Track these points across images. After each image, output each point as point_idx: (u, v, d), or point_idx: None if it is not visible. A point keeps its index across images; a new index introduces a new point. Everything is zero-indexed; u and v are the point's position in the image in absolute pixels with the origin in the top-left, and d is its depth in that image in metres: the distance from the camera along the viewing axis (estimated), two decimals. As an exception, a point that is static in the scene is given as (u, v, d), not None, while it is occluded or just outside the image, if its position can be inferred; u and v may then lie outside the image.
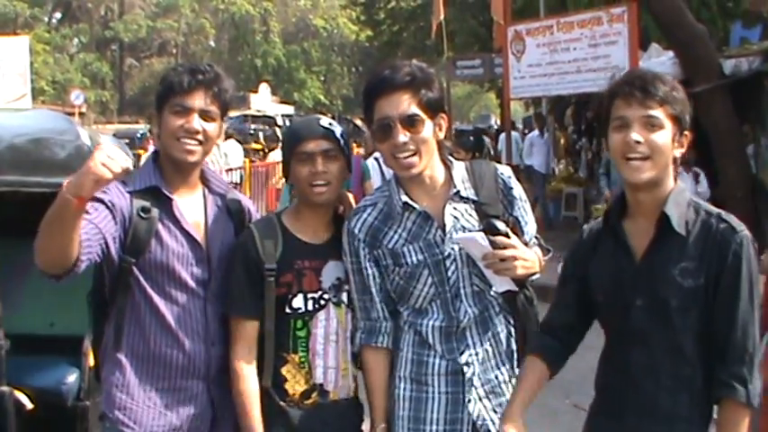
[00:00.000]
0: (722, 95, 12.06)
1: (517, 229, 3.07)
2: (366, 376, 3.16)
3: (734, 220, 2.67)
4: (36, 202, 2.99)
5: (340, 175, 3.16)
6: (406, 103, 2.94)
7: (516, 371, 3.12)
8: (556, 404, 6.40)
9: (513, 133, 19.15)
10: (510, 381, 3.10)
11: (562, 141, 19.97)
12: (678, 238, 2.65)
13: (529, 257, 2.96)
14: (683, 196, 2.72)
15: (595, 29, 12.78)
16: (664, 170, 2.67)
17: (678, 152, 2.69)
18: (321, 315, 3.15)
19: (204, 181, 3.22)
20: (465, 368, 3.05)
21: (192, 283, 3.07)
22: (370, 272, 3.10)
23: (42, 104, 33.18)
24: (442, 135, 3.05)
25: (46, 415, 2.94)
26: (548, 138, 17.54)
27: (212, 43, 63.17)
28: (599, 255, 2.85)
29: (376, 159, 9.24)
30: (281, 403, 3.12)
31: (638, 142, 2.60)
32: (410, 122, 2.93)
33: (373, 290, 3.11)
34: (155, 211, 3.01)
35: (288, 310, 3.12)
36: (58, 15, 59.32)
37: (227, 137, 18.51)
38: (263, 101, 43.07)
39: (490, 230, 2.92)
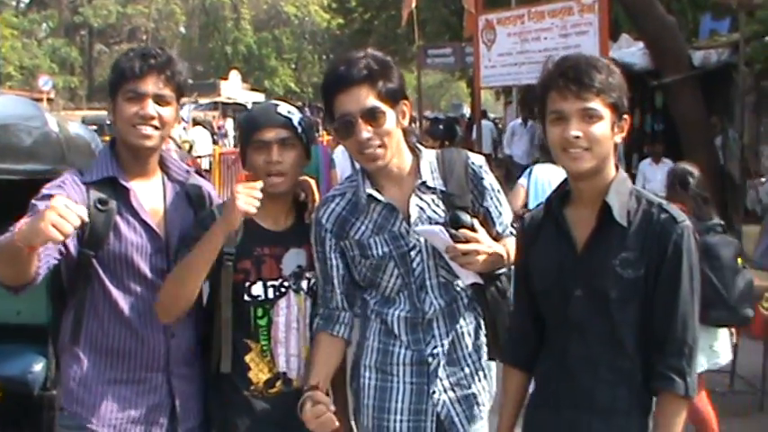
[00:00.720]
0: (691, 87, 12.17)
1: (487, 222, 3.03)
2: (313, 352, 3.09)
3: (675, 210, 2.64)
4: (2, 189, 2.96)
5: (297, 164, 3.11)
6: (364, 97, 2.88)
7: (484, 363, 3.11)
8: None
9: (487, 122, 19.21)
10: (476, 373, 3.09)
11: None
12: (619, 228, 2.61)
13: (494, 251, 2.91)
14: (625, 185, 2.68)
15: (566, 18, 12.82)
16: (604, 159, 2.63)
17: (619, 137, 2.64)
18: (282, 303, 3.12)
19: (163, 167, 3.17)
20: (430, 359, 3.02)
21: (150, 275, 3.02)
22: (334, 263, 3.07)
23: (10, 90, 32.84)
24: (405, 122, 3.00)
25: (12, 404, 2.91)
26: (531, 126, 17.49)
27: (183, 30, 62.72)
28: (540, 243, 2.80)
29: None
30: (245, 393, 3.10)
31: (577, 137, 2.56)
32: (371, 116, 2.88)
33: (335, 281, 3.08)
34: (112, 203, 2.96)
35: (247, 298, 3.09)
36: (26, 0, 58.69)
37: (195, 123, 18.47)
38: (234, 88, 42.81)
39: (454, 222, 2.89)
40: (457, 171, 3.05)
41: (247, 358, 3.11)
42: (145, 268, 3.01)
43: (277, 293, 3.12)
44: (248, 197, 2.84)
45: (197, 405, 3.13)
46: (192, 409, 3.13)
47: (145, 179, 3.08)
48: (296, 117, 3.14)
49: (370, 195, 3.00)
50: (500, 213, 3.10)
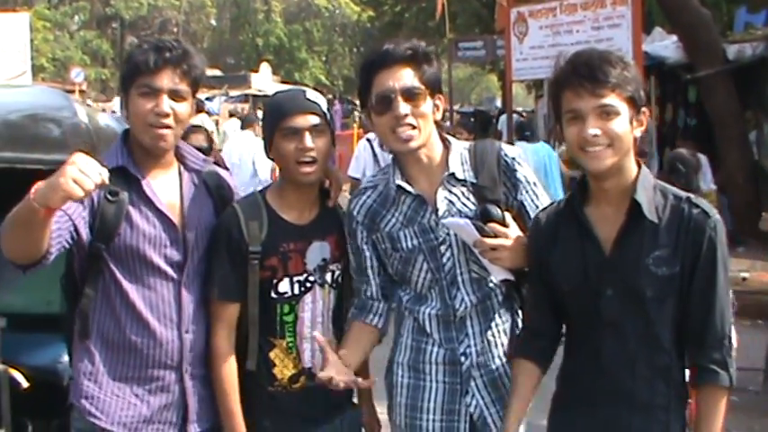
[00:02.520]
0: (725, 81, 12.03)
1: (522, 216, 2.97)
2: (344, 336, 3.07)
3: (705, 203, 2.62)
4: (32, 180, 2.95)
5: (327, 152, 3.03)
6: (408, 77, 2.87)
7: None
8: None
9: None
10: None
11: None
12: (650, 225, 2.58)
13: (523, 247, 2.84)
14: (649, 180, 2.65)
15: (599, 11, 12.71)
16: (625, 155, 2.59)
17: (638, 131, 2.61)
18: (308, 298, 3.08)
19: (179, 158, 3.08)
20: (462, 358, 2.98)
21: (165, 267, 2.95)
22: (367, 254, 3.05)
23: (42, 82, 33.06)
24: (438, 116, 2.97)
25: (41, 393, 2.91)
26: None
27: (213, 22, 62.85)
28: (561, 243, 2.74)
29: (368, 140, 9.07)
30: (270, 389, 3.06)
31: (595, 136, 2.52)
32: (411, 95, 2.86)
33: (369, 272, 3.06)
34: (123, 194, 2.88)
35: (273, 295, 3.04)
36: (58, -8, 59.09)
37: (230, 115, 18.49)
38: (264, 80, 42.83)
39: (484, 216, 2.83)
40: (488, 163, 2.99)
41: (272, 355, 3.08)
42: (159, 260, 2.93)
43: (302, 289, 3.07)
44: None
45: (211, 408, 3.07)
46: (206, 412, 3.06)
47: (160, 170, 3.01)
48: (323, 103, 3.08)
49: (399, 187, 2.96)
50: (536, 207, 2.99)
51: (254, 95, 35.88)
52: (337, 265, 3.14)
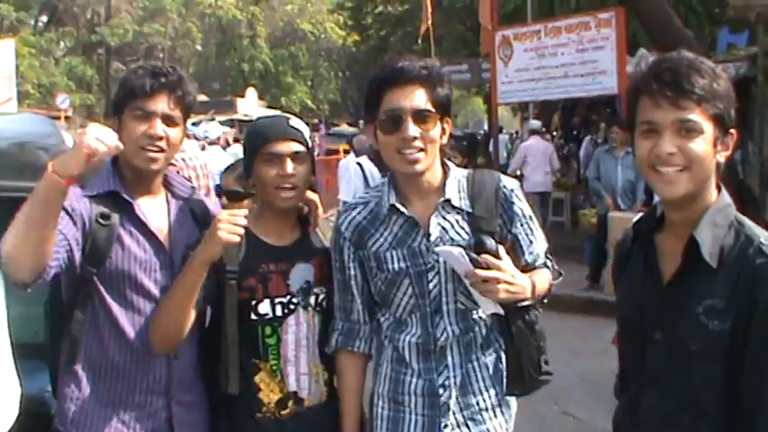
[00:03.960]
0: (710, 101, 12.07)
1: (515, 249, 2.91)
2: (340, 380, 3.07)
3: None
4: (17, 209, 2.93)
5: (307, 178, 3.06)
6: (420, 97, 2.79)
7: (502, 399, 2.95)
8: (544, 411, 6.38)
9: (503, 136, 19.18)
10: (493, 409, 2.94)
11: (550, 146, 19.99)
12: (707, 268, 2.20)
13: (517, 282, 2.71)
14: (725, 214, 2.26)
15: (583, 34, 12.78)
16: (703, 182, 2.23)
17: (722, 156, 2.24)
18: (291, 320, 3.06)
19: (167, 185, 3.09)
20: (441, 390, 2.89)
21: (155, 292, 2.93)
22: (352, 272, 2.99)
23: (28, 108, 32.98)
24: (444, 140, 2.90)
25: (29, 422, 2.88)
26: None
27: (199, 47, 62.92)
28: (627, 273, 2.48)
29: (359, 164, 9.10)
30: (258, 415, 3.03)
31: (671, 154, 2.17)
32: (422, 118, 2.79)
33: (355, 290, 3.00)
34: (115, 217, 2.89)
35: (254, 317, 3.03)
36: (44, 19, 58.98)
37: (236, 140, 18.41)
38: (250, 105, 42.82)
39: (478, 247, 2.74)
40: (486, 193, 2.92)
41: (257, 378, 3.04)
42: (149, 284, 2.92)
43: (286, 311, 3.05)
44: (231, 225, 2.76)
45: (198, 430, 3.05)
46: None
47: (149, 196, 3.01)
48: (306, 131, 3.08)
49: (393, 207, 2.90)
50: (530, 242, 2.95)
51: (241, 120, 35.86)
52: (321, 289, 3.12)
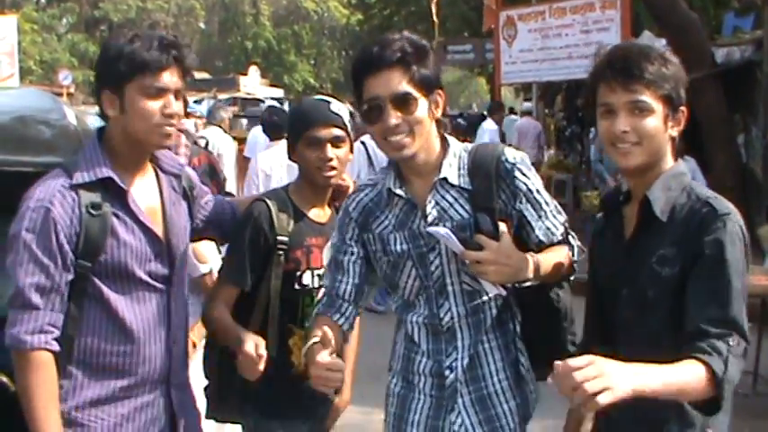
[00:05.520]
0: (714, 84, 12.05)
1: (522, 226, 2.79)
2: (312, 330, 2.89)
3: (721, 202, 2.44)
4: (20, 182, 2.92)
5: (346, 160, 3.25)
6: (397, 82, 2.67)
7: (514, 383, 2.86)
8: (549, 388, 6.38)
9: (514, 117, 19.21)
10: (503, 393, 2.84)
11: (552, 128, 19.98)
12: (660, 224, 2.48)
13: (512, 262, 2.60)
14: (679, 181, 2.53)
15: (588, 15, 12.76)
16: (656, 154, 2.50)
17: (675, 131, 2.52)
18: (323, 291, 3.11)
19: (153, 159, 2.94)
20: (447, 372, 2.83)
21: (152, 282, 2.82)
22: (351, 250, 2.91)
23: (30, 84, 32.95)
24: (439, 113, 2.80)
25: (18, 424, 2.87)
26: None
27: (202, 25, 62.82)
28: (599, 244, 2.72)
29: (362, 143, 9.04)
30: (288, 375, 3.21)
31: (624, 132, 2.45)
32: (402, 102, 2.67)
33: (350, 270, 2.90)
34: (106, 206, 2.71)
35: (297, 287, 3.21)
36: (46, -5, 58.89)
37: (236, 116, 18.32)
38: (253, 83, 42.79)
39: (476, 226, 2.67)
40: (485, 168, 2.78)
41: (290, 342, 3.22)
42: (145, 276, 2.80)
43: (322, 282, 3.13)
44: (254, 365, 2.88)
45: (193, 414, 3.05)
46: (193, 421, 3.03)
47: (139, 174, 2.86)
48: (345, 115, 3.25)
49: (389, 190, 2.84)
50: (539, 217, 2.80)
51: (243, 98, 35.85)
52: None
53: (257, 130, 12.30)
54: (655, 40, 14.02)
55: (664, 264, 2.44)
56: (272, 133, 8.67)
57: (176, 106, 2.76)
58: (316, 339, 2.66)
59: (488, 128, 14.42)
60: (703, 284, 2.34)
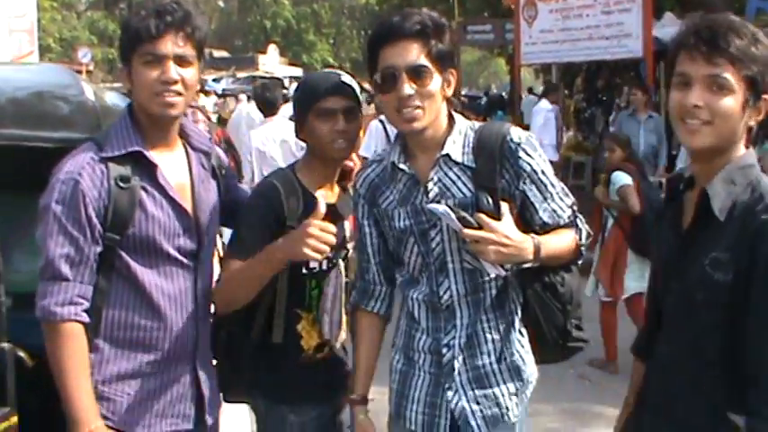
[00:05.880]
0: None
1: (525, 207, 2.79)
2: (355, 342, 3.08)
3: None
4: (38, 157, 2.92)
5: (357, 133, 3.14)
6: (415, 53, 2.69)
7: (513, 363, 2.88)
8: (560, 374, 6.36)
9: (533, 97, 19.11)
10: (501, 373, 2.86)
11: (571, 109, 19.85)
12: (717, 222, 2.24)
13: (512, 243, 2.59)
14: (745, 173, 2.27)
15: (609, -5, 12.61)
16: (727, 139, 2.24)
17: (753, 120, 2.26)
18: (333, 273, 3.15)
19: (184, 136, 2.95)
20: (444, 350, 2.85)
21: (179, 257, 2.82)
22: (366, 230, 2.99)
23: (50, 62, 33.03)
24: (450, 92, 2.81)
25: (46, 373, 2.89)
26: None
27: (221, 3, 62.76)
28: (658, 231, 2.55)
29: (381, 122, 9.07)
30: (298, 360, 3.15)
31: (696, 106, 2.20)
32: (417, 74, 2.69)
33: (369, 249, 2.99)
34: (135, 179, 2.72)
35: (305, 271, 3.12)
36: (66, -28, 58.98)
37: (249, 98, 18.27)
38: (272, 62, 42.82)
39: (477, 205, 2.67)
40: (489, 147, 2.77)
41: (299, 327, 3.15)
42: (173, 251, 2.81)
43: (330, 265, 3.14)
44: (319, 243, 2.75)
45: (217, 392, 3.07)
46: (216, 397, 3.04)
47: (168, 150, 2.87)
48: (356, 87, 3.14)
49: (392, 164, 2.86)
50: (544, 199, 2.79)
51: (262, 77, 35.88)
52: (352, 244, 3.24)
53: (243, 107, 12.32)
54: (677, 22, 13.92)
55: (716, 268, 2.22)
56: (266, 109, 8.70)
57: (173, 72, 2.71)
58: (362, 407, 2.97)
59: (544, 107, 14.16)
60: (760, 318, 2.15)
